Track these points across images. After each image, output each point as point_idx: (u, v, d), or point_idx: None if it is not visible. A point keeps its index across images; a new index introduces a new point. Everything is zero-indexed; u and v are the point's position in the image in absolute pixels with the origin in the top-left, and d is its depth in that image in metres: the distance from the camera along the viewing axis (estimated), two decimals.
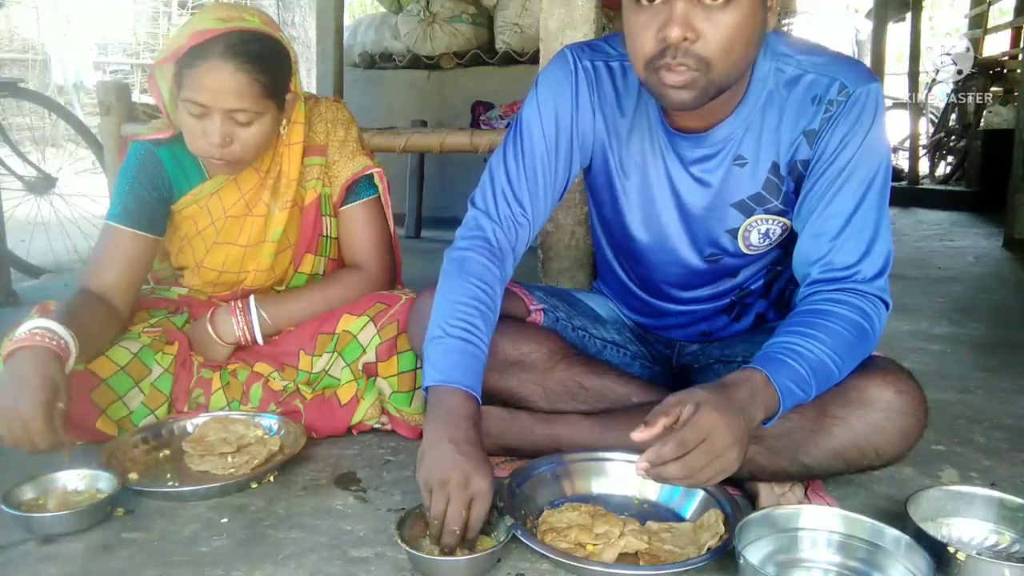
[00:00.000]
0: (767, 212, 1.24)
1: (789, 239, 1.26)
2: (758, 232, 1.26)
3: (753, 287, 1.38)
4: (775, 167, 1.20)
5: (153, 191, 1.51)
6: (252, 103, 1.36)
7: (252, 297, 1.56)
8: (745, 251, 1.28)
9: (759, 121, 1.19)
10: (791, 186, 1.21)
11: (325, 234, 1.63)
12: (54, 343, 1.21)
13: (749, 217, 1.25)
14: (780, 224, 1.25)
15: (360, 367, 1.50)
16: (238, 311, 1.53)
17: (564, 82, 1.26)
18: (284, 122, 1.49)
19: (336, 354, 1.52)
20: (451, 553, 1.02)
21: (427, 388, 1.13)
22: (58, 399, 1.17)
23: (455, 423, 1.08)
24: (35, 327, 1.22)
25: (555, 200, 1.31)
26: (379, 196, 1.65)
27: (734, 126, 1.19)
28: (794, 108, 1.17)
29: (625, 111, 1.26)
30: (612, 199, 1.33)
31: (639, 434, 0.98)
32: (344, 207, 1.61)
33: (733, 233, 1.27)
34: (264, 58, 1.36)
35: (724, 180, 1.23)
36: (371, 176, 1.63)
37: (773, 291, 1.40)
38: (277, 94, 1.41)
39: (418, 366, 1.48)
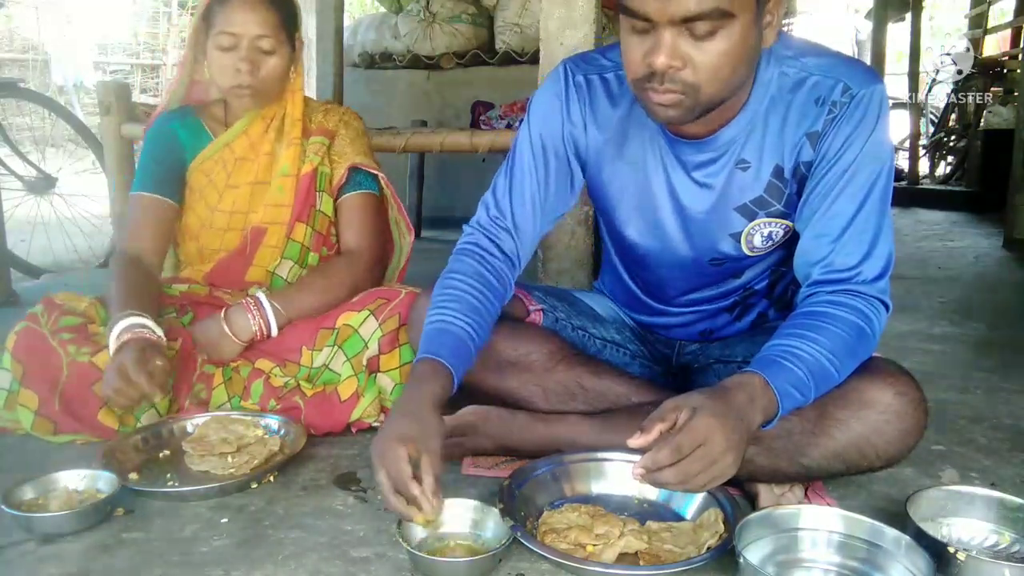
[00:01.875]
0: (769, 215, 1.24)
1: (793, 240, 1.25)
2: (761, 235, 1.26)
3: (757, 287, 1.38)
4: (778, 170, 1.20)
5: (169, 154, 1.70)
6: (273, 31, 1.58)
7: (261, 292, 1.61)
8: (748, 253, 1.28)
9: (762, 124, 1.18)
10: (794, 188, 1.21)
11: (318, 207, 1.73)
12: (155, 337, 1.41)
13: (752, 221, 1.24)
14: (783, 226, 1.25)
15: (363, 362, 1.52)
16: (252, 307, 1.56)
17: (554, 101, 1.30)
18: (293, 69, 1.68)
19: (337, 347, 1.53)
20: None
21: None
22: (157, 358, 1.34)
23: (406, 391, 1.12)
24: (136, 324, 1.40)
25: (548, 217, 1.34)
26: (379, 195, 1.77)
27: (737, 130, 1.19)
28: (798, 110, 1.17)
29: (621, 120, 1.27)
30: (613, 207, 1.34)
31: (635, 440, 0.99)
32: (343, 196, 1.73)
33: (736, 237, 1.27)
34: None
35: (727, 184, 1.22)
36: (375, 175, 1.74)
37: (776, 290, 1.40)
38: (289, 31, 1.62)
39: None
